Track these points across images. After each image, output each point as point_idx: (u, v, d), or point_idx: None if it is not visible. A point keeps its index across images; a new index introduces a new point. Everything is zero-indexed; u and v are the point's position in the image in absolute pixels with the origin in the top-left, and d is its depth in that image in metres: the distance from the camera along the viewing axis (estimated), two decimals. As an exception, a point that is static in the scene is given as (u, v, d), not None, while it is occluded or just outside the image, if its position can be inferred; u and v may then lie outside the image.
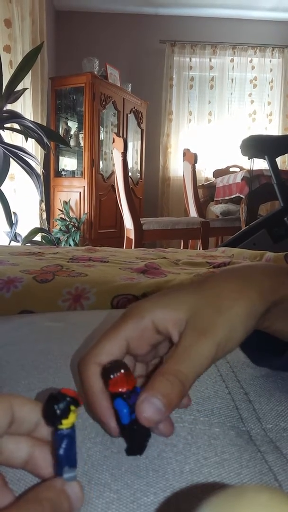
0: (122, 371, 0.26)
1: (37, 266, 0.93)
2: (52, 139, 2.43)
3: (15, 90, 2.09)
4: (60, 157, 3.95)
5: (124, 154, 2.67)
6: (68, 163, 4.04)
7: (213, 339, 0.27)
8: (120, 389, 0.26)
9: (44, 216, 3.43)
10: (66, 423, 0.21)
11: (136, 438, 0.26)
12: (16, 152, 1.99)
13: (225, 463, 0.26)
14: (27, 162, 2.03)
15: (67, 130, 3.92)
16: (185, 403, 0.30)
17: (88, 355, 0.28)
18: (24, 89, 2.23)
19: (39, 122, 3.18)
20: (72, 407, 0.22)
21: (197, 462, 0.26)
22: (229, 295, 0.29)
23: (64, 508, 0.20)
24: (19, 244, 2.42)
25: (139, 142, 4.45)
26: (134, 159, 4.45)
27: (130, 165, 4.16)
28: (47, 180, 3.75)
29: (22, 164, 1.99)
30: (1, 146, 1.95)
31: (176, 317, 0.28)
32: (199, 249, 2.90)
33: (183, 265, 1.11)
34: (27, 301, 0.76)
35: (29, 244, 2.48)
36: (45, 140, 2.05)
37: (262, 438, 0.29)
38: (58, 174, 3.89)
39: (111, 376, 0.26)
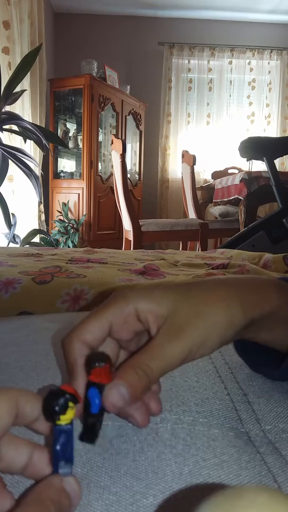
0: (107, 364, 0.27)
1: (36, 267, 0.93)
2: (51, 141, 2.43)
3: (14, 91, 2.09)
4: (59, 159, 3.95)
5: (123, 156, 2.67)
6: (66, 164, 4.04)
7: (186, 342, 0.28)
8: (99, 381, 0.26)
9: (43, 217, 3.43)
10: (64, 419, 0.22)
11: (96, 427, 0.27)
12: (14, 154, 1.99)
13: (224, 465, 0.26)
14: (26, 163, 2.03)
15: (66, 131, 3.92)
16: (155, 411, 0.30)
17: (72, 332, 0.29)
18: (23, 91, 2.24)
19: (38, 123, 3.18)
20: (71, 404, 0.22)
21: (196, 463, 0.26)
22: (212, 303, 0.30)
23: (66, 506, 0.20)
24: (17, 245, 2.42)
25: (138, 143, 4.45)
26: (132, 161, 4.45)
27: (128, 167, 4.17)
28: (46, 181, 3.75)
29: (21, 166, 1.99)
30: (0, 147, 1.95)
31: (157, 310, 0.29)
32: (198, 250, 2.90)
33: (182, 266, 1.11)
34: (26, 302, 0.76)
35: (27, 245, 2.48)
36: (44, 141, 2.06)
37: (261, 439, 0.29)
38: (57, 175, 3.89)
39: (96, 365, 0.27)
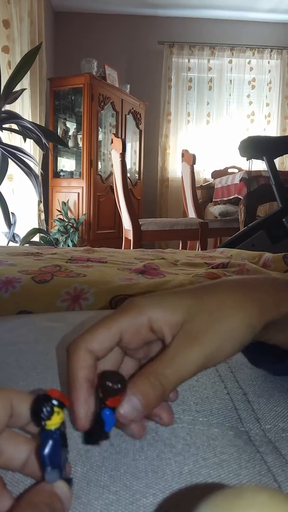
0: (123, 391, 0.26)
1: (36, 266, 0.93)
2: (51, 140, 2.43)
3: (14, 90, 2.09)
4: (59, 158, 3.95)
5: (123, 155, 2.67)
6: (66, 163, 4.04)
7: (203, 349, 0.27)
8: (114, 405, 0.26)
9: (43, 216, 3.43)
10: (50, 424, 0.22)
11: (101, 435, 0.26)
12: (14, 153, 1.99)
13: (224, 464, 0.26)
14: (26, 162, 2.03)
15: (66, 130, 3.92)
16: (166, 421, 0.29)
17: (80, 339, 0.28)
18: (23, 90, 2.24)
19: (38, 122, 3.18)
20: (57, 409, 0.22)
21: (196, 463, 0.26)
22: (228, 309, 0.29)
23: (59, 509, 0.20)
24: (17, 244, 2.42)
25: (138, 143, 4.45)
26: (132, 160, 4.45)
27: (128, 166, 4.16)
28: (46, 180, 3.75)
29: (21, 165, 1.99)
30: (0, 146, 1.95)
31: (172, 319, 0.28)
32: (198, 250, 2.90)
33: (182, 265, 1.11)
34: (26, 301, 0.76)
35: (27, 244, 2.48)
36: (44, 140, 2.05)
37: (261, 438, 0.29)
38: (57, 174, 3.89)
39: (115, 387, 0.26)
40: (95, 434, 0.26)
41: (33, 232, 2.59)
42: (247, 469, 0.26)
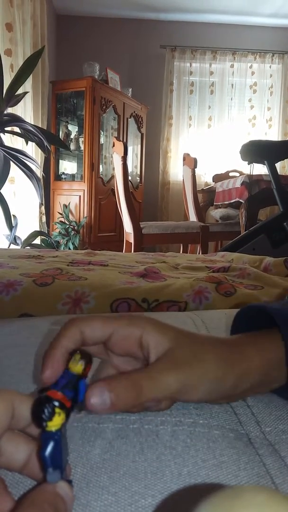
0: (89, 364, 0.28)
1: (37, 269, 0.93)
2: (53, 143, 2.44)
3: (16, 93, 2.10)
4: (60, 161, 3.96)
5: (124, 158, 2.68)
6: (68, 166, 4.05)
7: (181, 376, 0.29)
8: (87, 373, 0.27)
9: (44, 219, 3.44)
10: (51, 425, 0.22)
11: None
12: (16, 156, 2.00)
13: (223, 466, 0.26)
14: (27, 165, 2.03)
15: (67, 133, 3.93)
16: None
17: (77, 319, 0.30)
18: (25, 93, 2.24)
19: (40, 125, 3.19)
20: (58, 410, 0.22)
21: (195, 464, 0.26)
22: (206, 353, 0.31)
23: (62, 508, 0.20)
24: (18, 247, 2.43)
25: (139, 146, 4.46)
26: (134, 163, 4.46)
27: (130, 169, 4.17)
28: (47, 183, 3.76)
29: (22, 168, 2.00)
30: (1, 149, 1.95)
31: (160, 341, 0.30)
32: (199, 253, 2.91)
33: (183, 269, 1.12)
34: (27, 304, 0.76)
35: (28, 247, 2.49)
36: (46, 143, 2.06)
37: (261, 441, 0.30)
38: (58, 177, 3.90)
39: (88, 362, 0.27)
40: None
41: (35, 234, 2.59)
42: (246, 470, 0.26)
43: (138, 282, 0.87)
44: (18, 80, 2.07)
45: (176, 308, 0.79)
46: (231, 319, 0.40)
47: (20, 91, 2.14)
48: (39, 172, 2.54)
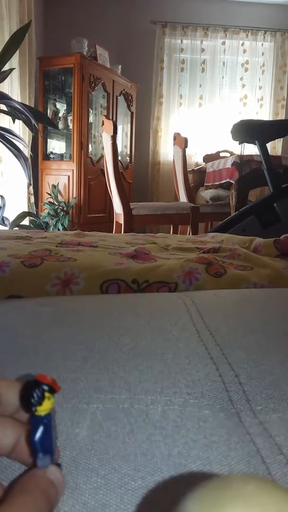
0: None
1: (25, 250, 0.92)
2: (40, 121, 2.38)
3: (2, 70, 2.04)
4: (49, 140, 3.88)
5: (114, 138, 2.64)
6: (56, 146, 3.98)
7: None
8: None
9: (32, 199, 3.39)
10: (40, 410, 0.21)
11: None
12: (3, 134, 1.95)
13: (214, 446, 0.26)
14: (15, 144, 1.99)
15: (56, 112, 3.85)
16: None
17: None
18: (11, 69, 2.18)
19: (27, 103, 3.11)
20: (47, 394, 0.22)
21: (185, 444, 0.26)
22: None
23: (53, 494, 0.20)
24: (6, 228, 2.39)
25: (129, 125, 4.39)
26: (123, 143, 4.40)
27: (119, 149, 4.12)
28: (35, 163, 3.70)
29: (10, 147, 1.95)
30: (-13, 127, 1.91)
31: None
32: (189, 234, 2.90)
33: (173, 250, 1.11)
34: (15, 286, 0.75)
35: (17, 228, 2.46)
36: (33, 122, 2.01)
37: (252, 420, 0.30)
38: (47, 157, 3.83)
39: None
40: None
41: (23, 215, 2.56)
42: (236, 450, 0.26)
43: (128, 263, 0.86)
44: (4, 56, 2.01)
45: (167, 289, 0.78)
46: (221, 300, 0.39)
47: (6, 67, 2.08)
48: (26, 151, 2.49)
